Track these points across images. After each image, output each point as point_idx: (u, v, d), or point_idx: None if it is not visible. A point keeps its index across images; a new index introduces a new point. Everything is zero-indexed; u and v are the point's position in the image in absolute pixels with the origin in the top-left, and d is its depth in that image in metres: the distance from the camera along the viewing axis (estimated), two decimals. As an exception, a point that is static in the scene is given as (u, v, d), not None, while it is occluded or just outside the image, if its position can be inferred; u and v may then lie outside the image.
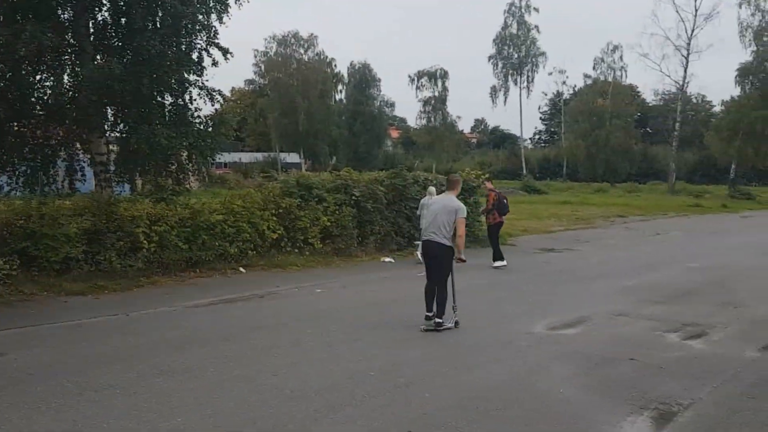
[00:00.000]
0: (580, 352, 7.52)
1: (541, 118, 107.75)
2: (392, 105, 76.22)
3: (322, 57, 66.25)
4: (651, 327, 8.78)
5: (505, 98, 71.56)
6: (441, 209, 8.55)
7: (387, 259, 15.32)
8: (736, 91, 50.67)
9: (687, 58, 50.12)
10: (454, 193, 8.83)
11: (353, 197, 15.90)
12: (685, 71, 50.70)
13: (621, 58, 63.80)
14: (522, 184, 51.01)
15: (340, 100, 73.69)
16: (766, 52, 47.50)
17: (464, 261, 8.61)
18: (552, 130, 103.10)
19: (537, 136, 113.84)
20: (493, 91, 71.59)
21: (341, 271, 13.62)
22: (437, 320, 8.42)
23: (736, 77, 49.61)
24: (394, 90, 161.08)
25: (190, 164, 14.65)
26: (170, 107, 14.14)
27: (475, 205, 18.91)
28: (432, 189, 15.56)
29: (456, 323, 8.58)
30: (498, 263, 14.62)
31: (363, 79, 70.72)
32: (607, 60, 63.69)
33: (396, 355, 7.28)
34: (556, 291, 11.54)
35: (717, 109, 72.80)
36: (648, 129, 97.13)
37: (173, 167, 14.50)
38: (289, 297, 10.81)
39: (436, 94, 66.43)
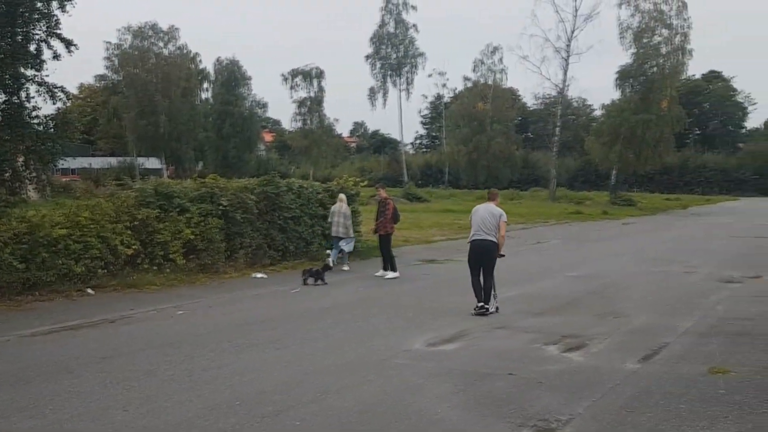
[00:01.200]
0: (458, 368, 7.71)
1: (422, 122, 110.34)
2: (265, 106, 75.49)
3: (184, 51, 64.66)
4: (530, 340, 9.15)
5: (384, 100, 72.84)
6: (488, 215, 11.18)
7: (259, 275, 15.10)
8: (617, 95, 53.34)
9: (567, 61, 52.64)
10: (494, 202, 11.44)
11: (220, 207, 15.57)
12: (565, 74, 53.30)
13: (501, 60, 66.48)
14: (403, 192, 51.95)
15: (207, 99, 72.15)
16: (646, 53, 50.10)
17: (504, 256, 11.41)
18: (433, 134, 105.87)
19: (418, 141, 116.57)
20: (372, 93, 72.68)
21: (207, 290, 13.28)
22: (485, 306, 10.88)
23: (616, 80, 52.15)
24: (266, 89, 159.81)
25: (28, 171, 13.81)
26: (3, 106, 13.28)
27: (353, 214, 19.03)
28: (342, 196, 17.07)
29: (497, 309, 11.03)
30: (392, 275, 15.12)
31: (231, 76, 69.60)
32: (487, 62, 66.20)
33: (264, 381, 7.17)
34: (435, 305, 11.80)
35: (598, 113, 77.49)
36: (529, 134, 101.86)
37: (6, 175, 13.61)
38: (145, 321, 10.40)
39: (312, 94, 66.55)
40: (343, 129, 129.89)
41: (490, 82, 66.12)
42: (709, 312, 11.14)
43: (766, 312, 10.99)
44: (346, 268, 16.45)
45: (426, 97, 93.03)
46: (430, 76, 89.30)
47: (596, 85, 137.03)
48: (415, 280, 14.90)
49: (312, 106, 66.63)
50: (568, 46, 52.29)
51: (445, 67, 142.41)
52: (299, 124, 67.82)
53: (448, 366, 7.83)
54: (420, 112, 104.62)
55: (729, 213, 43.69)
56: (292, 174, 63.80)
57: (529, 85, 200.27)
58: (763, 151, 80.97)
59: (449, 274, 15.64)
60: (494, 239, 11.11)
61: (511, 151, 65.76)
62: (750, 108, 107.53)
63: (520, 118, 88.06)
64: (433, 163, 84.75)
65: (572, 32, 52.54)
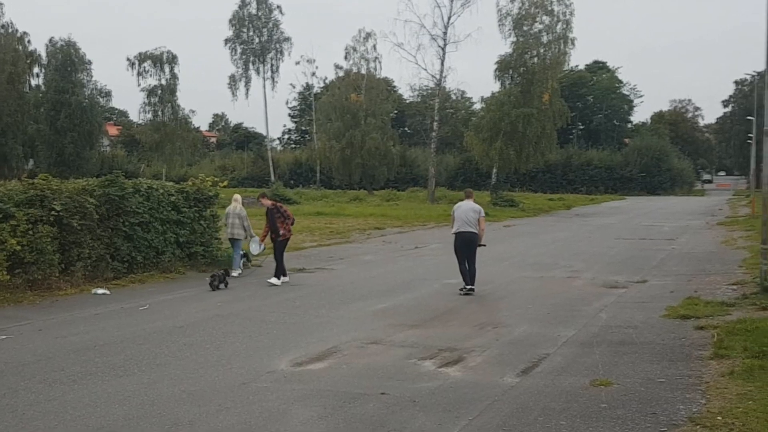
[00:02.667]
0: (327, 389, 7.74)
1: (290, 115, 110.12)
2: (108, 94, 73.12)
3: (10, 30, 61.25)
4: (405, 355, 9.32)
5: (247, 90, 71.97)
6: (470, 211, 14.59)
7: (100, 291, 14.54)
8: (497, 87, 54.60)
9: (444, 49, 53.45)
10: (472, 200, 15.00)
11: (53, 212, 14.82)
12: (442, 64, 54.18)
13: (375, 47, 67.05)
14: (270, 193, 51.41)
15: (38, 86, 68.59)
16: (526, 42, 51.39)
17: (485, 245, 14.85)
18: (303, 128, 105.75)
19: (287, 136, 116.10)
20: (233, 81, 71.66)
21: (37, 310, 12.65)
22: (473, 287, 14.11)
23: (495, 71, 53.12)
24: (110, 76, 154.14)
25: None
26: None
27: (212, 219, 18.73)
28: (237, 196, 18.23)
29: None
30: (284, 279, 15.85)
31: (68, 60, 66.48)
32: (360, 49, 66.61)
33: (103, 416, 6.92)
34: (304, 319, 11.79)
35: (477, 106, 79.86)
36: (406, 129, 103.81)
37: None
38: (-41, 348, 9.77)
39: (164, 82, 64.72)
40: (201, 122, 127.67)
41: (363, 72, 66.65)
42: (591, 320, 11.73)
43: (651, 319, 11.68)
44: (235, 274, 16.90)
45: (294, 87, 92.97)
46: (297, 63, 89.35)
47: (476, 77, 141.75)
48: (282, 292, 14.82)
49: (164, 95, 64.81)
50: (445, 33, 53.16)
51: (314, 54, 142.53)
52: (149, 116, 65.77)
53: (316, 387, 7.84)
54: (288, 103, 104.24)
55: (614, 213, 46.18)
56: (142, 173, 61.82)
57: (405, 75, 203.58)
58: (650, 147, 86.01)
59: (320, 285, 15.67)
60: (476, 231, 14.42)
61: (388, 148, 66.48)
62: (636, 101, 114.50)
63: (396, 112, 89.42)
64: (303, 160, 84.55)
65: (449, 18, 53.30)
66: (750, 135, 62.81)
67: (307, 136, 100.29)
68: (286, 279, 16.01)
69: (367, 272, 17.88)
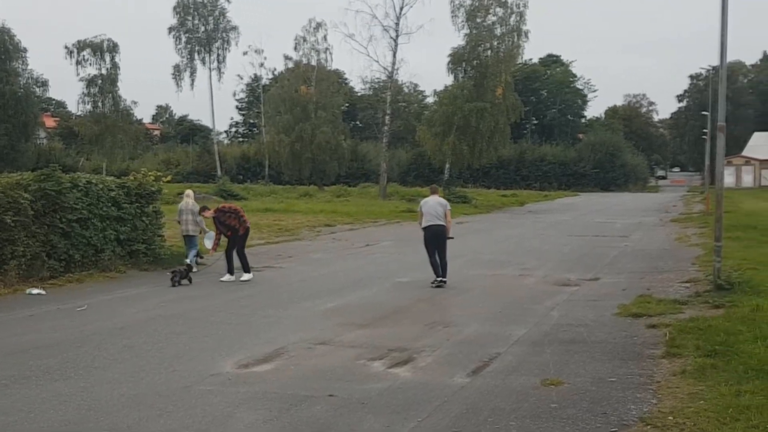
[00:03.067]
0: (273, 392, 7.74)
1: (237, 107, 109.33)
2: (45, 84, 71.07)
3: (-63, 16, 59.72)
4: (354, 355, 9.35)
5: (192, 81, 71.36)
6: (437, 205, 15.47)
7: (35, 291, 14.29)
8: (450, 80, 54.90)
9: (396, 41, 53.48)
10: (438, 195, 15.97)
11: (-16, 209, 14.52)
12: (395, 56, 54.25)
13: (325, 38, 66.87)
14: (217, 188, 51.04)
15: (-31, 75, 66.98)
16: (479, 35, 51.77)
17: (453, 238, 15.66)
18: (251, 121, 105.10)
19: (234, 129, 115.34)
20: (177, 72, 70.92)
21: (-34, 311, 12.38)
22: (444, 279, 14.95)
23: (448, 64, 53.52)
24: (46, 65, 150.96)
25: None
26: None
27: (155, 216, 18.52)
28: (189, 192, 18.59)
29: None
30: (247, 276, 16.04)
31: (1, 48, 65.03)
32: (310, 40, 66.38)
33: (36, 422, 6.82)
34: (251, 320, 11.74)
35: (430, 100, 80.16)
36: (358, 122, 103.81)
37: None
38: None
39: (104, 71, 63.68)
40: (144, 114, 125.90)
41: (313, 63, 66.45)
42: (543, 318, 11.90)
43: (603, 317, 11.89)
44: (195, 269, 16.92)
45: (241, 78, 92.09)
46: (245, 54, 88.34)
47: (429, 70, 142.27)
48: (228, 292, 14.74)
49: (104, 85, 63.77)
50: (397, 24, 53.25)
51: (262, 45, 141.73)
52: (89, 108, 64.68)
53: (262, 390, 7.83)
54: (235, 95, 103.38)
55: (567, 210, 46.82)
56: (80, 167, 60.72)
57: (357, 67, 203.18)
58: (604, 143, 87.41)
59: (267, 284, 15.63)
60: (444, 224, 15.32)
61: (339, 142, 66.42)
62: (590, 95, 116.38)
63: (347, 105, 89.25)
64: (251, 154, 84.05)
65: (401, 9, 53.33)
66: (705, 130, 64.07)
67: (255, 129, 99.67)
68: (250, 276, 16.11)
69: (316, 271, 17.87)
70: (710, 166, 49.79)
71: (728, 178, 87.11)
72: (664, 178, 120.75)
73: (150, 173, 18.95)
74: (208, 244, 17.61)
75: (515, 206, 51.78)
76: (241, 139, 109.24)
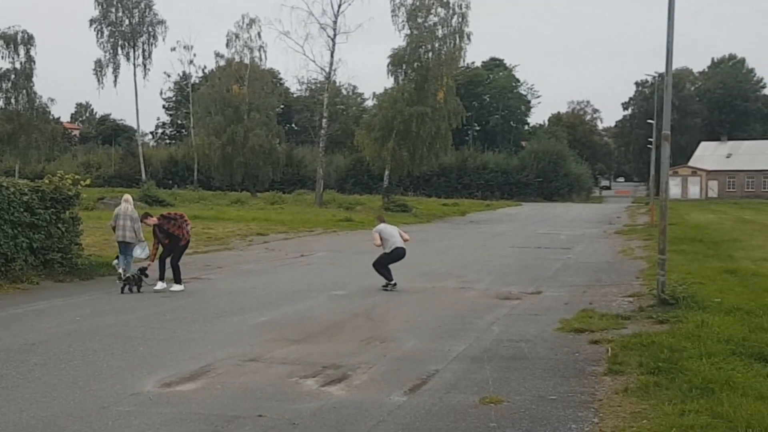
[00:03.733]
0: (198, 412, 7.63)
1: (165, 107, 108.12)
2: (-48, 79, 69.40)
3: None
4: (286, 373, 9.29)
5: (116, 77, 70.40)
6: (395, 230, 18.17)
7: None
8: (390, 82, 55.43)
9: (334, 40, 53.62)
10: (384, 223, 18.47)
11: None
12: (332, 56, 54.36)
13: (259, 35, 66.63)
14: (141, 194, 50.30)
15: None
16: (420, 36, 52.11)
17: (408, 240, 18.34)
18: (179, 122, 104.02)
19: (161, 130, 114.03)
20: (99, 67, 69.80)
21: None
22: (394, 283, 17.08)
23: (388, 65, 53.87)
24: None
25: None
26: None
27: (72, 222, 18.15)
28: (128, 197, 18.49)
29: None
30: (177, 287, 16.08)
31: None
32: (243, 37, 66.04)
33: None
34: (175, 335, 11.58)
35: (370, 103, 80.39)
36: (293, 125, 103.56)
37: None
38: None
39: (18, 65, 62.36)
40: (62, 112, 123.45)
41: (246, 61, 66.06)
42: (483, 333, 11.99)
43: (544, 332, 12.04)
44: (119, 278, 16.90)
45: (169, 76, 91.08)
46: (173, 50, 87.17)
47: (368, 71, 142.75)
48: (151, 305, 14.50)
49: (18, 80, 62.44)
50: (335, 22, 53.43)
51: (192, 40, 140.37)
52: (0, 104, 63.20)
53: (186, 410, 7.72)
54: (162, 94, 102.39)
55: (510, 220, 47.42)
56: (-9, 169, 59.30)
57: (293, 66, 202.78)
58: (547, 151, 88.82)
59: (194, 297, 15.43)
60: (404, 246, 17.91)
61: (273, 146, 66.20)
62: (534, 101, 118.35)
63: (282, 106, 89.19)
64: (179, 158, 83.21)
65: (339, 6, 53.64)
66: (650, 139, 65.70)
67: (183, 130, 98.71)
68: (181, 287, 16.16)
69: (247, 282, 17.72)
70: (655, 176, 50.94)
71: (674, 189, 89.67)
72: (608, 188, 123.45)
73: (67, 176, 18.53)
74: (139, 252, 17.65)
75: (457, 216, 52.22)
76: (168, 141, 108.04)
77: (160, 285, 16.11)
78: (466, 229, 38.71)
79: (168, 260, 16.36)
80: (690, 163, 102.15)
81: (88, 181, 19.80)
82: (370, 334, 11.88)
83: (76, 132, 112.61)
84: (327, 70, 54.83)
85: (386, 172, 54.48)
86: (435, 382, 8.98)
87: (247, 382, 8.85)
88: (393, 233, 17.88)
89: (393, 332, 12.09)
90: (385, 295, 15.93)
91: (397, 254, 17.65)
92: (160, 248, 16.66)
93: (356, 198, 61.87)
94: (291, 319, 13.12)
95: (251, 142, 62.60)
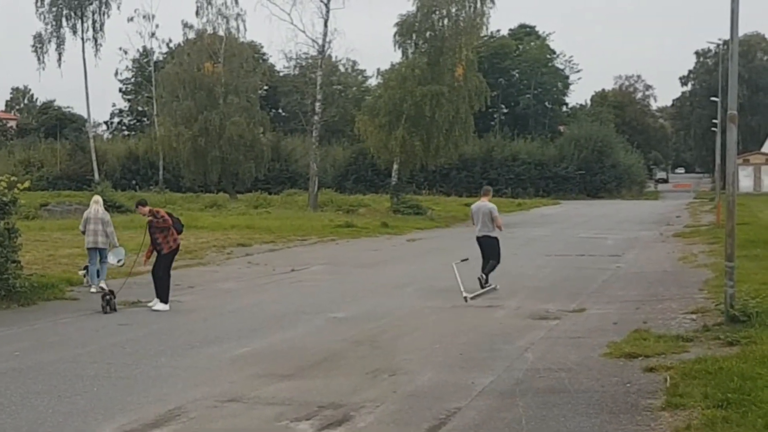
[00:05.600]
0: (167, 467, 7.64)
1: (122, 91, 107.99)
2: None
3: None
4: (274, 415, 9.32)
5: (60, 55, 70.23)
6: (480, 210, 19.85)
7: None
8: (398, 57, 54.84)
9: (327, 6, 53.25)
10: (486, 198, 20.34)
11: None
12: (326, 25, 53.89)
13: (236, 1, 66.45)
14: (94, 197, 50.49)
15: None
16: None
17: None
18: (140, 109, 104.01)
19: (117, 120, 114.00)
20: (39, 43, 69.77)
21: None
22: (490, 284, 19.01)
23: (395, 36, 53.40)
24: None
25: None
26: None
27: (7, 234, 18.11)
28: (98, 198, 19.80)
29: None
30: (162, 306, 16.73)
31: None
32: (217, 2, 65.90)
33: None
34: (137, 372, 11.60)
35: (373, 82, 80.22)
36: (280, 111, 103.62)
37: None
38: None
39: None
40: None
41: (221, 33, 65.96)
42: (515, 362, 11.99)
43: (589, 359, 12.03)
44: (93, 290, 17.79)
45: (126, 53, 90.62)
46: (130, 20, 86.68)
47: (371, 44, 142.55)
48: (108, 335, 14.53)
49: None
50: (329, -16, 53.35)
51: (153, 8, 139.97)
52: None
53: (151, 464, 7.73)
54: (118, 74, 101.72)
55: (546, 223, 47.36)
56: None
57: (278, 39, 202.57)
58: (591, 137, 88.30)
59: (160, 324, 15.49)
60: (492, 233, 19.71)
61: (256, 137, 65.99)
62: (573, 77, 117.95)
63: (267, 88, 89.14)
64: (140, 153, 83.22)
65: (334, -37, 53.55)
66: (714, 121, 65.37)
67: (145, 119, 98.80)
68: (166, 307, 16.80)
69: (226, 305, 17.75)
70: (721, 166, 50.74)
71: (744, 181, 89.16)
72: (665, 181, 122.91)
73: (1, 178, 18.55)
74: (112, 258, 18.70)
75: (481, 218, 51.99)
76: (126, 133, 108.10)
77: (160, 306, 16.78)
78: (493, 235, 38.59)
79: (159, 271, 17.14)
80: (764, 149, 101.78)
81: (27, 184, 19.75)
82: (376, 365, 11.87)
83: (12, 123, 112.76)
84: (320, 42, 54.67)
85: (395, 167, 54.14)
86: (456, 423, 8.99)
87: (226, 428, 8.88)
88: (476, 215, 19.79)
89: (404, 363, 12.07)
90: (395, 318, 15.90)
91: (479, 244, 19.74)
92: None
93: (358, 198, 61.72)
94: (280, 349, 13.13)
95: (229, 132, 62.40)
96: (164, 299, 16.81)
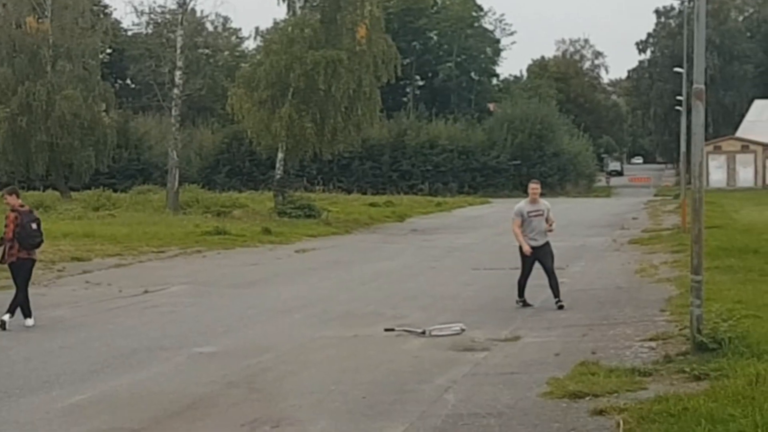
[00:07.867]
0: None
1: None
2: None
3: None
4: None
5: None
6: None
7: None
8: (282, 13, 55.18)
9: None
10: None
11: None
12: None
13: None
14: None
15: None
16: None
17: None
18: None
19: None
20: None
21: None
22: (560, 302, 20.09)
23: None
24: None
25: None
26: None
27: None
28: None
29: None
30: (6, 316, 17.79)
31: None
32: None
33: None
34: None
35: (251, 46, 79.95)
36: (128, 82, 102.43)
37: None
38: None
39: None
40: None
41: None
42: (432, 406, 12.08)
43: (525, 400, 12.16)
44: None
45: None
46: None
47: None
48: None
49: None
50: None
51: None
52: None
53: None
54: None
55: (472, 227, 47.84)
56: None
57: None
58: (527, 118, 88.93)
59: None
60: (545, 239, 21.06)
61: (97, 115, 65.06)
62: (505, 41, 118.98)
63: (110, 51, 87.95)
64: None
65: None
66: (679, 98, 66.23)
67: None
68: (31, 322, 18.18)
69: (55, 339, 17.49)
70: (687, 154, 51.76)
71: (715, 174, 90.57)
72: (619, 174, 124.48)
73: None
74: None
75: (391, 222, 52.40)
76: None
77: (29, 321, 18.19)
78: (407, 243, 38.90)
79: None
80: (739, 134, 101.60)
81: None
82: (255, 414, 11.86)
83: None
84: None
85: (279, 155, 53.86)
86: (356, 488, 9.06)
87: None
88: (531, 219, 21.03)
89: (292, 410, 12.09)
90: (279, 353, 15.88)
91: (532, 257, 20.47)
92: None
93: (233, 197, 61.46)
94: (127, 395, 13.01)
95: (59, 110, 61.12)
96: (11, 310, 17.84)
